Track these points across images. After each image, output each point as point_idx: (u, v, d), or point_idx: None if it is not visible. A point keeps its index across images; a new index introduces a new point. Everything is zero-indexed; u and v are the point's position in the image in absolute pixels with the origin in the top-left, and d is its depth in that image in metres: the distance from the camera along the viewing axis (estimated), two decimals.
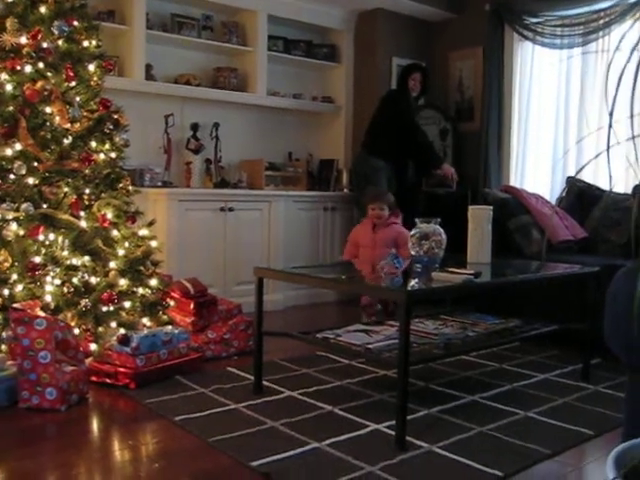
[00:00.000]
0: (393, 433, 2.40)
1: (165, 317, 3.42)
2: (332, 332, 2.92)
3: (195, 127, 5.12)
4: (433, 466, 2.21)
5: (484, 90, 5.46)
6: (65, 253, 3.18)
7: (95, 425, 2.65)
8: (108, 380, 3.01)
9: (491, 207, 3.42)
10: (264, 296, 2.99)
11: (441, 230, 3.00)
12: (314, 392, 2.98)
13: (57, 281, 3.12)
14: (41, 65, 3.28)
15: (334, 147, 6.01)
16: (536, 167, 5.31)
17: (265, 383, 3.01)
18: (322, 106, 5.98)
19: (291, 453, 2.28)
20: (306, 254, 5.23)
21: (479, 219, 3.32)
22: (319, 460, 2.24)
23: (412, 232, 3.01)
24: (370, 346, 2.70)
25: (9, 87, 3.21)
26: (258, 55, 5.39)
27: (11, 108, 3.19)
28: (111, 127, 3.47)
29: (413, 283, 2.77)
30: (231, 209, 4.79)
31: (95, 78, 3.48)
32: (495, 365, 3.53)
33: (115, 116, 3.49)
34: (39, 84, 3.21)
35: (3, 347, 2.96)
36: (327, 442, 2.37)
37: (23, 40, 3.24)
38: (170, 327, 3.31)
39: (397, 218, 4.31)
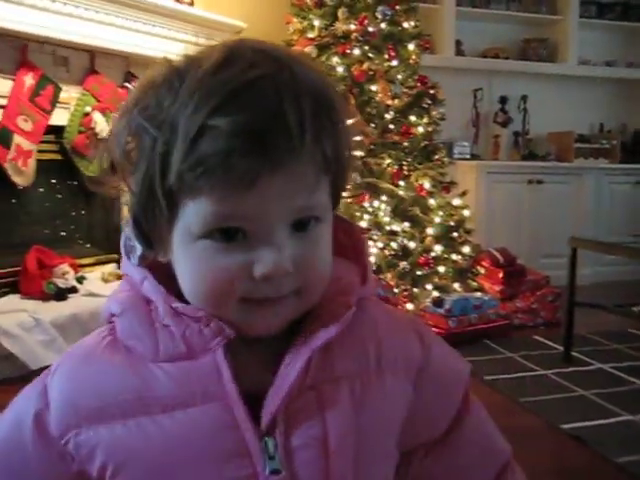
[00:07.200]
0: None
1: (474, 284, 3.58)
2: None
3: (503, 100, 5.15)
4: None
5: None
6: (386, 219, 3.46)
7: None
8: None
9: None
10: None
11: None
12: (626, 367, 2.92)
13: (379, 244, 3.41)
14: (366, 48, 3.58)
15: None
16: None
17: (573, 354, 3.02)
18: (639, 72, 5.61)
19: (602, 422, 2.30)
20: (621, 229, 4.91)
21: None
22: (633, 432, 2.23)
23: None
24: None
25: (340, 69, 3.56)
26: (569, 23, 5.22)
27: (341, 87, 3.54)
28: (429, 102, 3.68)
29: None
30: (540, 182, 4.76)
31: (413, 56, 3.71)
32: None
33: (432, 91, 3.69)
34: (365, 65, 3.53)
35: None
36: None
37: (352, 27, 3.57)
38: (480, 293, 3.46)
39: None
